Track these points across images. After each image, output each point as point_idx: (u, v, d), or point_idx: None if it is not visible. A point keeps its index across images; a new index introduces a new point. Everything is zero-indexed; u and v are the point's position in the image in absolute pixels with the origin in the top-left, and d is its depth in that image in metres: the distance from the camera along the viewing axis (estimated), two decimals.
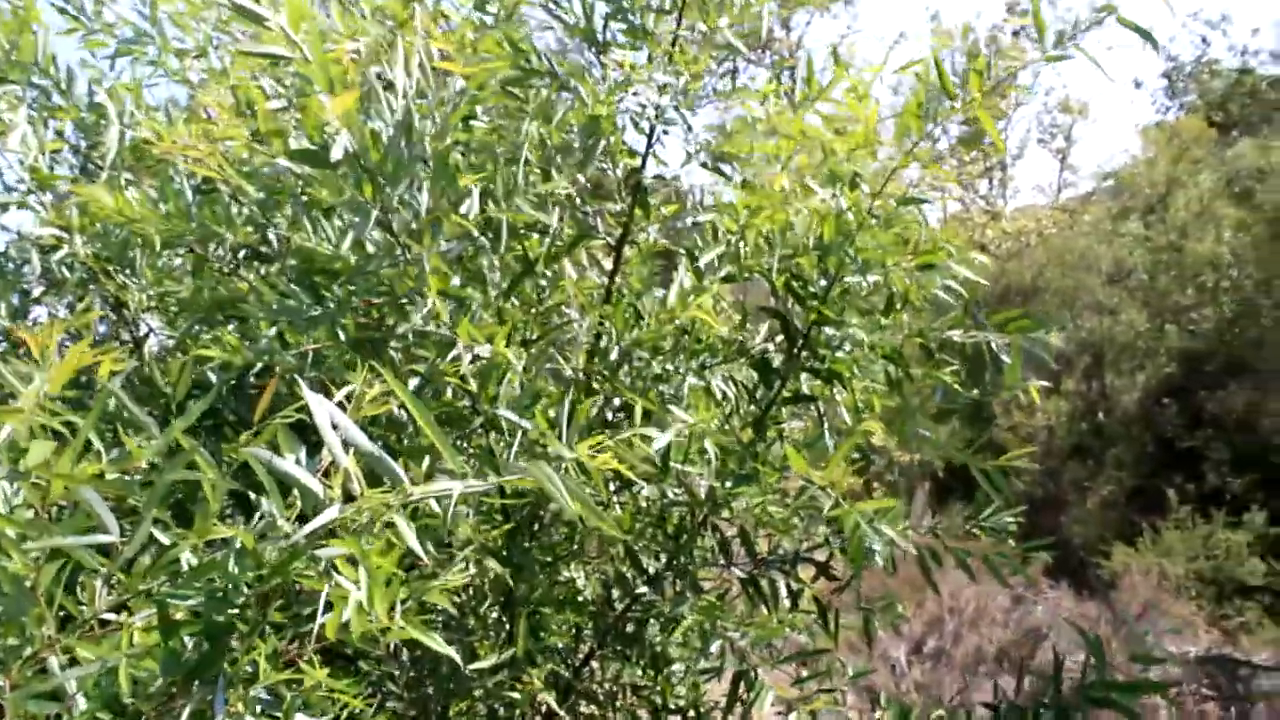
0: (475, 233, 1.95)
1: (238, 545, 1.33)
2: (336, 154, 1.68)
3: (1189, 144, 18.91)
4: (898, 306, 2.88)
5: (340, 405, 1.40)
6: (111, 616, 1.39)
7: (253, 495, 1.54)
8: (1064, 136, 27.30)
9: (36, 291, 2.59)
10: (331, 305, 1.92)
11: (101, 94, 2.75)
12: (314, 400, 1.22)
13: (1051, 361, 3.10)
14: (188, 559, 1.37)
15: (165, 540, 1.37)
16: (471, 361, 1.87)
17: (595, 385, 2.35)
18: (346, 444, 1.23)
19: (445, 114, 1.77)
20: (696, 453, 2.27)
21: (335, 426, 1.22)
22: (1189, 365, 15.28)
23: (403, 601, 1.74)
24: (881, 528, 2.02)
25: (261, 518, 1.37)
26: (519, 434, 1.99)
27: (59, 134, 2.83)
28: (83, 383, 2.59)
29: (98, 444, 1.35)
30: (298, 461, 1.32)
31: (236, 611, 1.34)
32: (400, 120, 1.70)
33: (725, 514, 2.90)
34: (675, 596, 2.66)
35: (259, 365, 2.49)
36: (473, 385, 1.92)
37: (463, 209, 1.91)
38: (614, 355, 2.43)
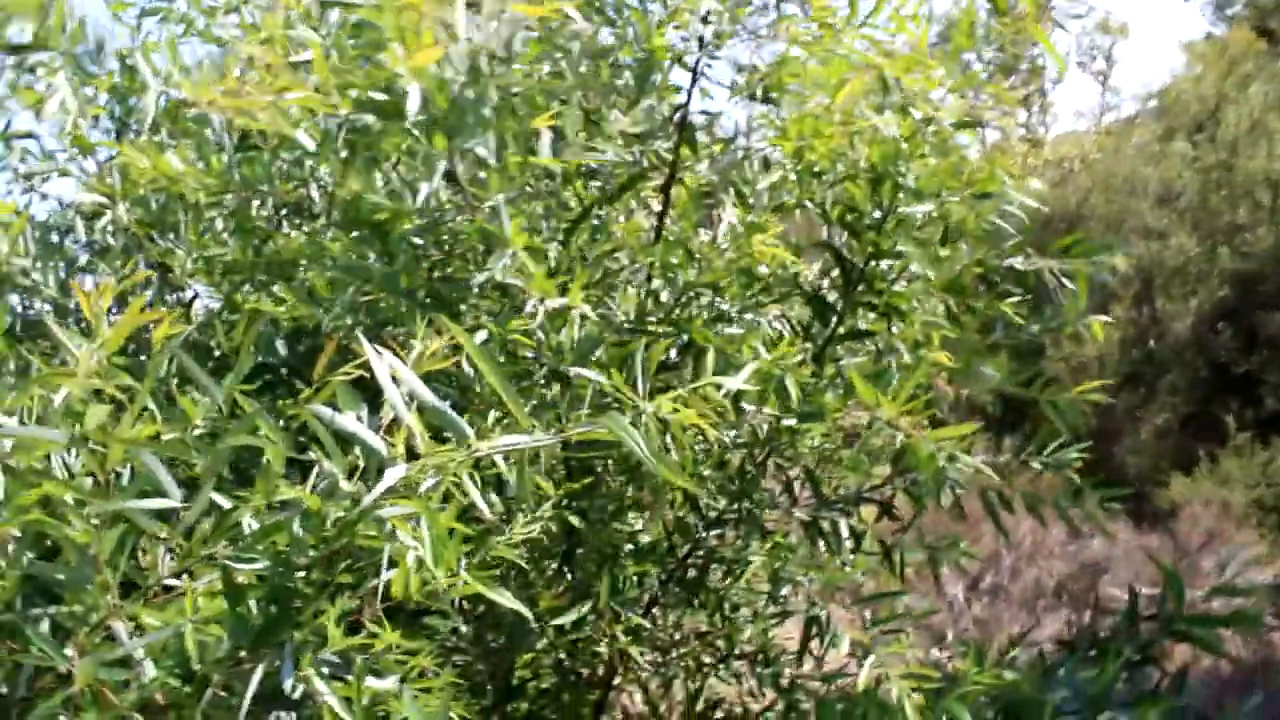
0: (533, 180, 1.88)
1: (302, 507, 1.29)
2: (412, 106, 1.62)
3: (1237, 58, 18.37)
4: (954, 237, 2.79)
5: (401, 360, 1.35)
6: (175, 582, 1.37)
7: (310, 454, 1.50)
8: (1104, 58, 26.63)
9: (83, 260, 2.57)
10: (398, 261, 1.87)
11: (135, 57, 2.70)
12: (374, 355, 1.18)
13: (1115, 286, 3.00)
14: (249, 522, 1.33)
15: (226, 504, 1.34)
16: (543, 313, 1.82)
17: (651, 329, 2.29)
18: (409, 400, 1.18)
19: (511, 56, 1.71)
20: (764, 392, 2.21)
21: (397, 381, 1.18)
22: (1243, 287, 14.92)
23: (467, 555, 1.71)
24: (960, 456, 1.95)
25: (322, 478, 1.34)
26: (588, 387, 1.94)
27: (90, 101, 2.79)
28: (131, 350, 2.57)
29: (153, 408, 1.32)
30: (359, 419, 1.28)
31: (302, 575, 1.31)
32: (468, 66, 1.63)
33: (787, 454, 2.85)
34: (739, 541, 2.62)
35: (315, 323, 2.47)
36: (540, 338, 1.87)
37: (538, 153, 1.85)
38: (666, 297, 2.37)
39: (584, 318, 1.90)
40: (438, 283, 2.01)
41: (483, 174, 1.77)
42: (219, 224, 2.52)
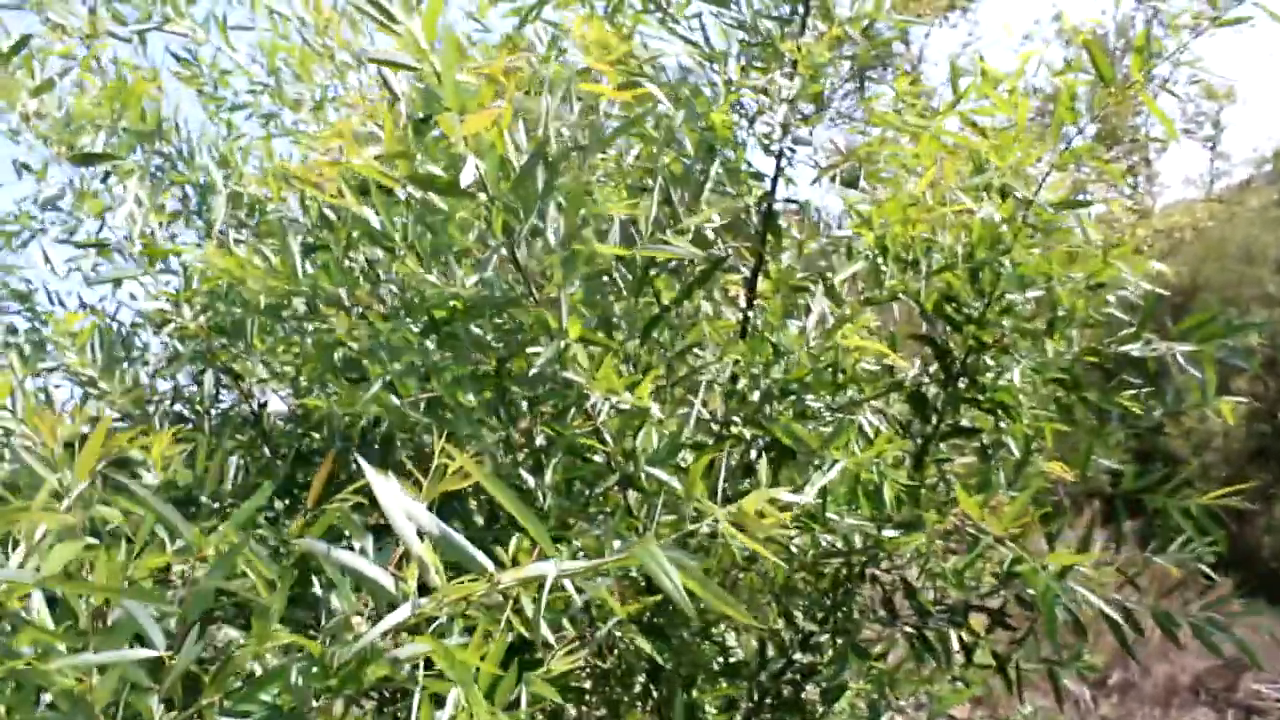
0: (608, 272, 1.76)
1: (303, 653, 1.16)
2: (466, 179, 1.52)
3: None
4: (1064, 324, 2.59)
5: (415, 482, 1.23)
6: None
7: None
8: (1211, 124, 25.87)
9: (152, 368, 2.52)
10: (453, 351, 1.76)
11: (207, 159, 2.68)
12: (378, 483, 1.05)
13: (1257, 367, 2.75)
14: (252, 666, 1.21)
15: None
16: (609, 412, 1.69)
17: (734, 430, 2.14)
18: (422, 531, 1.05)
19: (592, 141, 1.60)
20: (853, 495, 2.04)
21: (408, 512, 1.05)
22: None
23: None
24: (1076, 589, 1.75)
25: (331, 616, 1.21)
26: (662, 490, 1.80)
27: (184, 201, 2.78)
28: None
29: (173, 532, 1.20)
30: (362, 551, 1.15)
31: None
32: (541, 146, 1.53)
33: (884, 563, 2.65)
34: (835, 658, 2.41)
35: (381, 422, 2.37)
36: (608, 439, 1.73)
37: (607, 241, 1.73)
38: (755, 396, 2.21)
39: (661, 420, 1.75)
40: (497, 378, 1.89)
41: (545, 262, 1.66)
42: (286, 328, 2.46)
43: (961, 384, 2.59)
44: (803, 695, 2.62)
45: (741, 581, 2.42)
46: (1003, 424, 2.65)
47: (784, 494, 1.58)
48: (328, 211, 2.51)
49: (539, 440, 1.87)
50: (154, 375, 2.68)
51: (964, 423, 2.64)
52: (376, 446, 2.42)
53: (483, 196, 1.61)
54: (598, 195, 1.74)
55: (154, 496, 1.14)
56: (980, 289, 2.52)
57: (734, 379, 2.38)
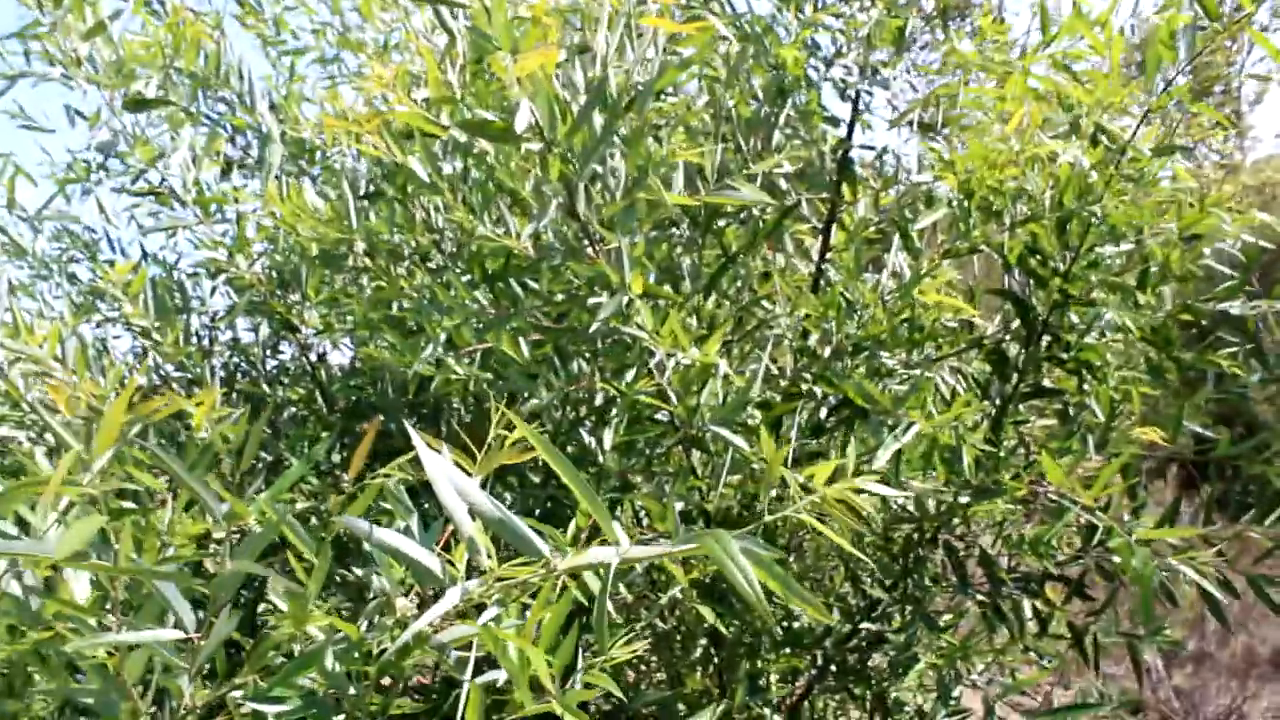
0: (673, 221, 1.65)
1: (341, 636, 1.09)
2: (520, 123, 1.43)
3: None
4: (1157, 280, 2.43)
5: (468, 450, 1.15)
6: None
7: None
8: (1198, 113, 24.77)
9: (206, 319, 2.48)
10: (512, 305, 1.68)
11: (262, 104, 2.62)
12: (428, 456, 0.97)
13: None
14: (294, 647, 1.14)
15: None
16: (674, 368, 1.60)
17: (803, 387, 2.03)
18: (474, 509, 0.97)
19: (649, 80, 1.49)
20: (929, 458, 1.93)
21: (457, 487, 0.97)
22: None
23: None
24: (1174, 564, 1.62)
25: (374, 597, 1.13)
26: (728, 451, 1.71)
27: (245, 150, 2.72)
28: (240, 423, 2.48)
29: (207, 500, 1.14)
30: (407, 530, 1.07)
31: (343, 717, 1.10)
32: (598, 87, 1.42)
33: (958, 530, 2.54)
34: (904, 626, 2.31)
35: (435, 379, 2.31)
36: (671, 397, 1.64)
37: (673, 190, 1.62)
38: (826, 352, 2.10)
39: (727, 377, 1.66)
40: (557, 333, 1.80)
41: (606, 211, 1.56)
42: (343, 278, 2.40)
43: (1044, 342, 2.45)
44: (868, 665, 2.53)
45: (807, 545, 2.33)
46: (1086, 385, 2.51)
47: (871, 485, 1.49)
48: (386, 159, 2.44)
49: (599, 399, 1.79)
50: (211, 326, 2.64)
51: (1046, 383, 2.51)
52: (427, 410, 2.36)
53: (536, 145, 1.52)
54: (662, 140, 1.63)
55: (180, 461, 1.08)
56: (1066, 241, 2.38)
57: (804, 334, 2.27)
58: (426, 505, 1.26)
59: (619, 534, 0.92)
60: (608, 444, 1.74)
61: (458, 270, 2.12)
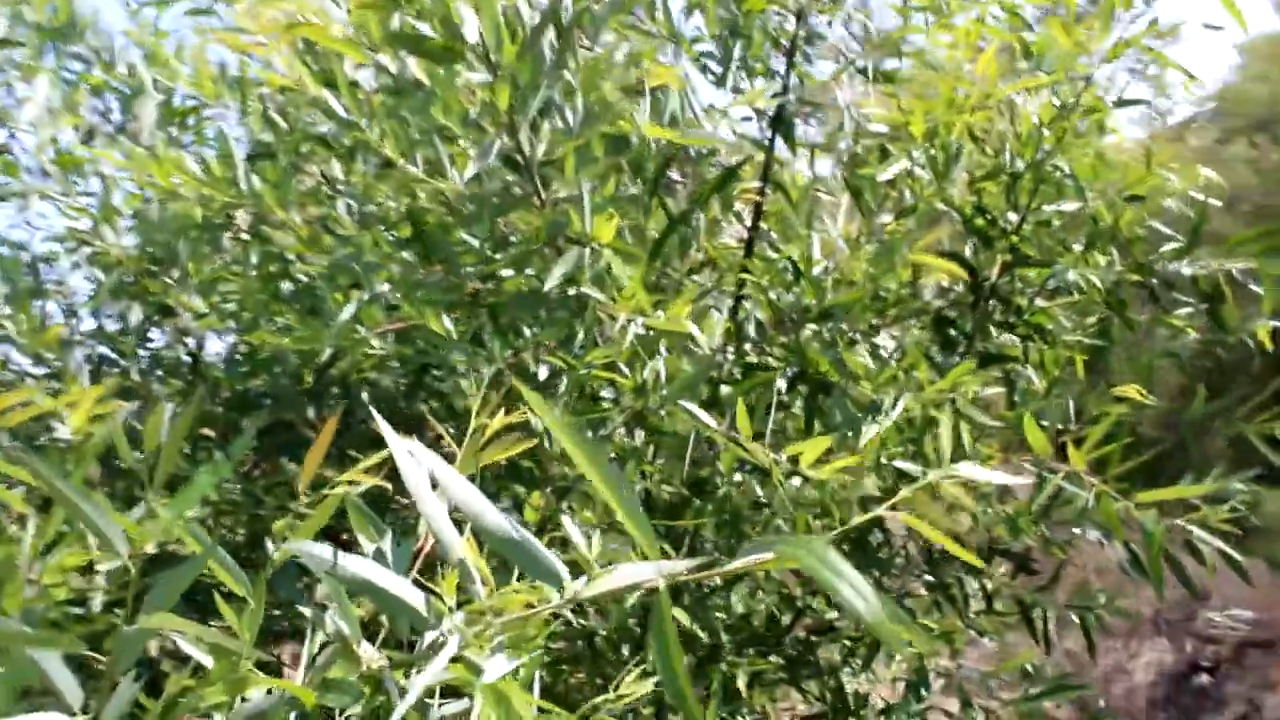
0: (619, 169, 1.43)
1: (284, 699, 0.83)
2: (470, 34, 1.19)
3: None
4: (1106, 240, 2.32)
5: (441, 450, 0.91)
6: None
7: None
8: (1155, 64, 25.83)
9: (58, 302, 2.16)
10: (445, 265, 1.44)
11: (135, 59, 2.30)
12: (399, 447, 0.74)
13: None
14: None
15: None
16: (634, 337, 1.38)
17: (762, 359, 1.84)
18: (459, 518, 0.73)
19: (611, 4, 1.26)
20: (912, 436, 1.76)
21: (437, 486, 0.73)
22: None
23: None
24: (1192, 529, 1.49)
25: (327, 643, 0.87)
26: (691, 434, 1.51)
27: (105, 115, 2.39)
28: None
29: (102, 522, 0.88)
30: (379, 555, 0.82)
31: None
32: (550, 6, 1.19)
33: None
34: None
35: (339, 360, 2.05)
36: (624, 370, 1.43)
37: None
38: (760, 321, 1.92)
39: (686, 345, 1.46)
40: (494, 295, 1.57)
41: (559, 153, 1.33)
42: (226, 255, 2.11)
43: (992, 307, 2.32)
44: (816, 657, 2.36)
45: (745, 527, 2.14)
46: (1031, 351, 2.40)
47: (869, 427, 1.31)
48: (275, 117, 2.16)
49: (541, 373, 1.56)
50: (71, 312, 2.32)
51: (991, 349, 2.37)
52: (331, 398, 2.08)
53: (480, 75, 1.29)
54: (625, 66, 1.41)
55: (61, 474, 0.82)
56: (1015, 200, 2.25)
57: (738, 302, 2.08)
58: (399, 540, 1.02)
59: (654, 548, 0.71)
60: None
61: (381, 229, 1.86)
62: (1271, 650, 7.90)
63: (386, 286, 1.53)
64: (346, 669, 0.81)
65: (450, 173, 1.38)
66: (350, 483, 0.98)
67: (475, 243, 1.44)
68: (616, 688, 1.13)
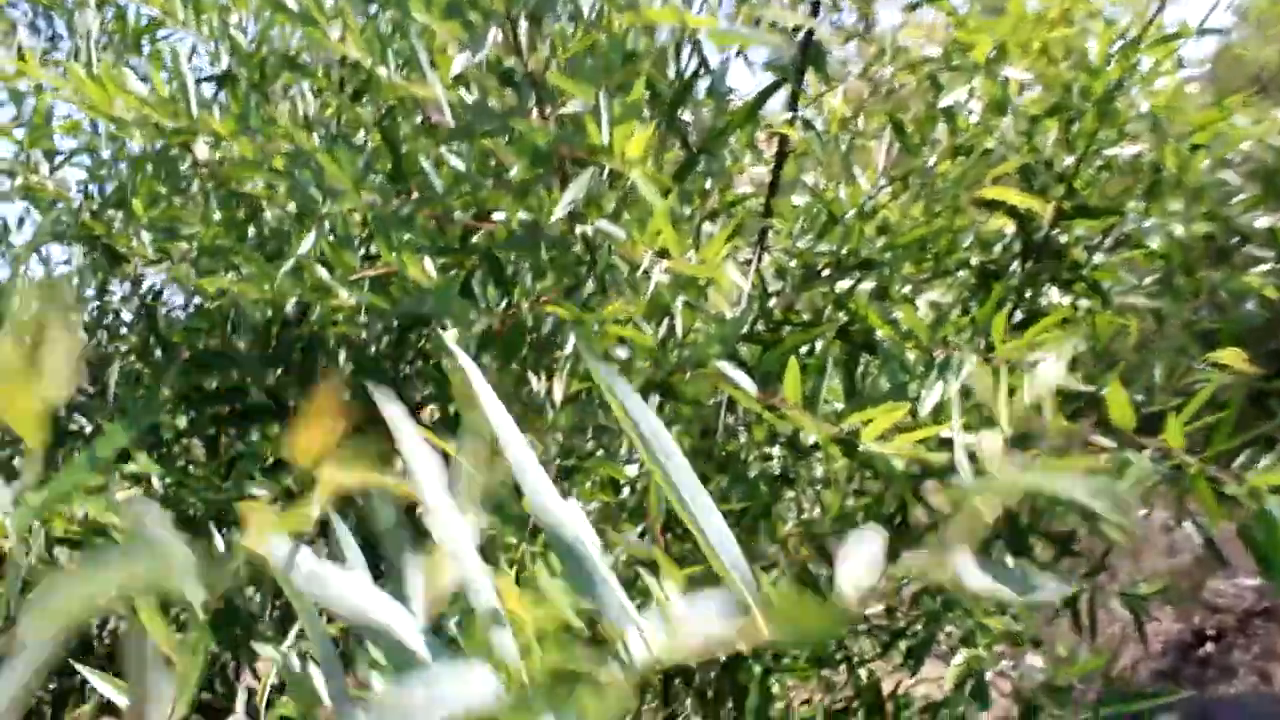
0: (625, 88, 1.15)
1: None
2: None
3: None
4: (1172, 188, 2.07)
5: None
6: None
7: None
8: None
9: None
10: (426, 193, 1.18)
11: None
12: (404, 428, 0.49)
13: None
14: None
15: None
16: (657, 283, 1.13)
17: (796, 316, 1.59)
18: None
19: None
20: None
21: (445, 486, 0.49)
22: None
23: None
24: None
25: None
26: (716, 402, 1.27)
27: (32, 27, 2.13)
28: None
29: None
30: (397, 589, 0.58)
31: None
32: None
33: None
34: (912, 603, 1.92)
35: (307, 315, 1.80)
36: (644, 329, 1.18)
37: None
38: (825, 271, 1.68)
39: (730, 295, 1.21)
40: (484, 234, 1.32)
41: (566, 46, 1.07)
42: (180, 196, 1.85)
43: (1045, 260, 2.08)
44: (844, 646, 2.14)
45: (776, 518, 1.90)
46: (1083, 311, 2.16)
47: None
48: (235, 34, 1.90)
49: (545, 328, 1.31)
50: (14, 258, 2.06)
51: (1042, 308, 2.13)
52: (295, 359, 1.81)
53: None
54: None
55: None
56: (1072, 140, 2.00)
57: (761, 250, 1.83)
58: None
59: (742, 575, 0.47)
60: (559, 395, 1.27)
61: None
62: (1277, 619, 7.77)
63: (356, 218, 1.28)
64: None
65: (430, 76, 1.12)
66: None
67: (461, 165, 1.18)
68: None
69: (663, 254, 1.13)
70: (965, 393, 1.59)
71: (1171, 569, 7.64)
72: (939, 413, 1.50)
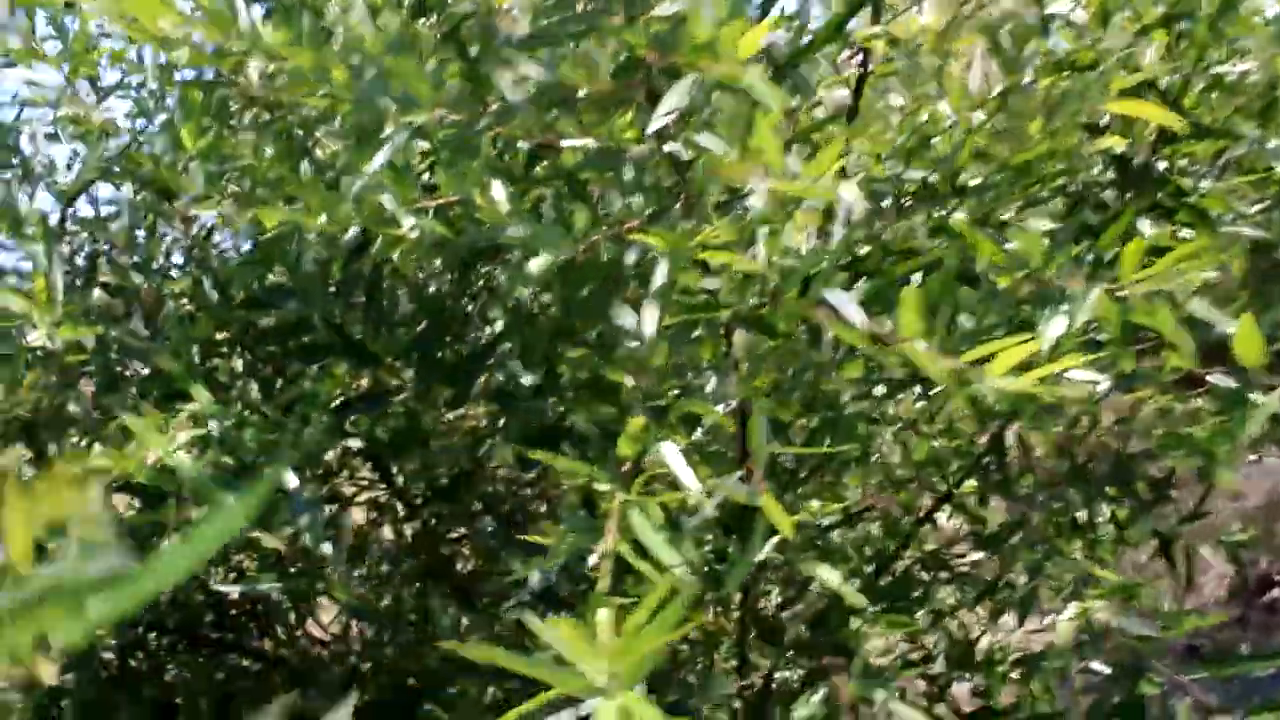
0: None
1: None
2: None
3: None
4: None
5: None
6: None
7: None
8: None
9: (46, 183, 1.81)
10: (500, 103, 1.08)
11: None
12: None
13: None
14: None
15: None
16: (760, 206, 1.03)
17: (892, 245, 1.48)
18: None
19: None
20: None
21: None
22: None
23: None
24: None
25: None
26: (809, 337, 1.17)
27: None
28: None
29: None
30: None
31: None
32: None
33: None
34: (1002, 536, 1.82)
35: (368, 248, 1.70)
36: (744, 253, 1.07)
37: None
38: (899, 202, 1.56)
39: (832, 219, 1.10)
40: (557, 156, 1.21)
41: None
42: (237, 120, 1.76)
43: (1145, 187, 1.94)
44: (927, 594, 2.04)
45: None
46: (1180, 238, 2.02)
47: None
48: None
49: (630, 256, 1.21)
50: (63, 196, 1.97)
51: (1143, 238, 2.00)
52: (360, 295, 1.71)
53: None
54: None
55: None
56: (1180, 57, 1.85)
57: (839, 177, 1.71)
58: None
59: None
60: (649, 328, 1.16)
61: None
62: None
63: (416, 145, 1.18)
64: None
65: None
66: None
67: (537, 74, 1.07)
68: None
69: (768, 173, 1.02)
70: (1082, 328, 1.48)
71: (1238, 513, 7.47)
72: (1054, 349, 1.38)
